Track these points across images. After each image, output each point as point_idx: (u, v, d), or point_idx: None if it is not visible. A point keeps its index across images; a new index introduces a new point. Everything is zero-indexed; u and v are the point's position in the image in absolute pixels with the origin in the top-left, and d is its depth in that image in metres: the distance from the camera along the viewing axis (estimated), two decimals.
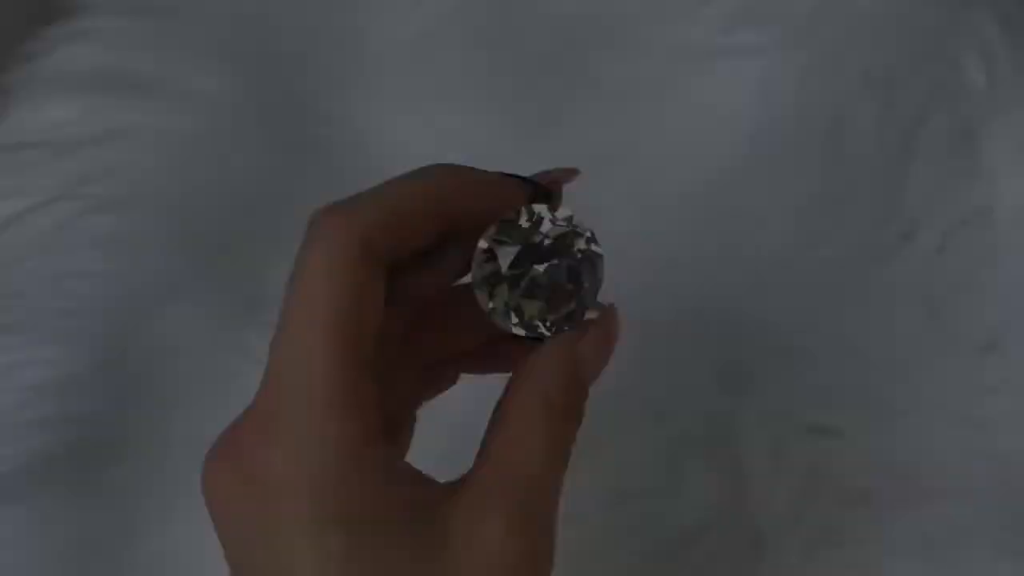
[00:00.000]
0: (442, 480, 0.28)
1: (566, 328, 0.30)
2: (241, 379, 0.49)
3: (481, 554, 0.25)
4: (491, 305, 0.30)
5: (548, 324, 0.30)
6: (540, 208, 0.31)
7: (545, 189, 0.32)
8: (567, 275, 0.31)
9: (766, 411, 0.48)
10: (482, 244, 0.30)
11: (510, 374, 0.30)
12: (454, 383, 0.35)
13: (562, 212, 0.31)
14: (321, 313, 0.26)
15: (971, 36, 0.54)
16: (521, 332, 0.30)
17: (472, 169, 0.30)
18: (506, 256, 0.30)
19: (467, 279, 0.31)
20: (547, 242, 0.31)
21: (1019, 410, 0.49)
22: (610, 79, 0.59)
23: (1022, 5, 0.55)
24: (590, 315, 0.31)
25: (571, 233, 0.31)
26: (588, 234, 0.31)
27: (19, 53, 0.61)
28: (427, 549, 0.25)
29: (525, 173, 0.33)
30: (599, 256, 0.31)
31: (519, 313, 0.30)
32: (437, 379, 0.34)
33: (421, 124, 0.60)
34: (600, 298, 0.32)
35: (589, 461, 0.47)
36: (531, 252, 0.30)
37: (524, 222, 0.31)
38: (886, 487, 0.47)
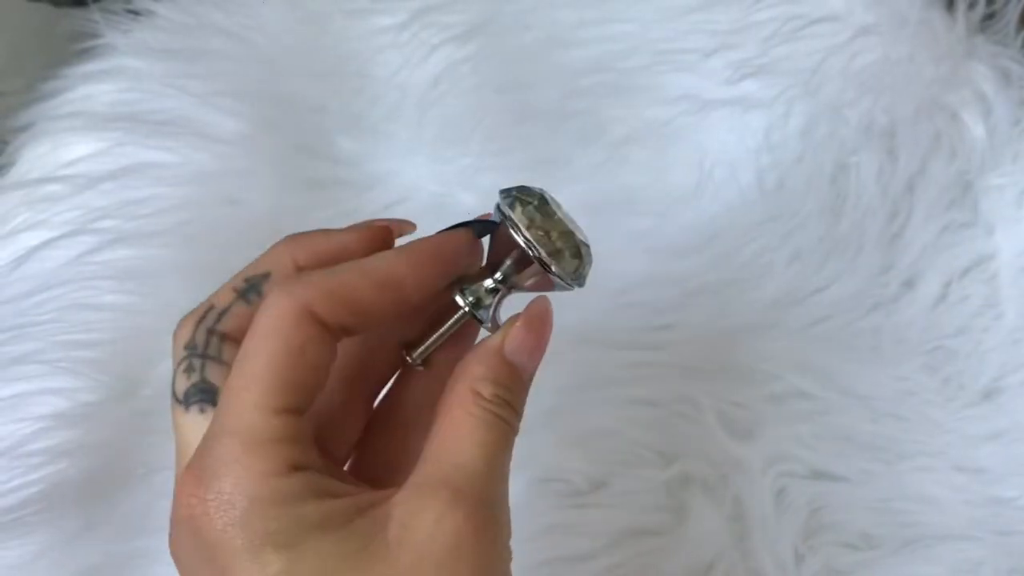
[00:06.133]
0: None
1: None
2: None
3: (418, 537, 0.26)
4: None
5: None
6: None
7: (486, 221, 0.33)
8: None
9: (769, 454, 0.49)
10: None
11: None
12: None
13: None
14: (254, 368, 0.28)
15: (970, 89, 0.56)
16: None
17: (423, 242, 0.31)
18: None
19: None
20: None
21: (1018, 458, 0.49)
22: (618, 126, 0.61)
23: (1020, 60, 0.56)
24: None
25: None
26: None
27: (42, 90, 0.62)
28: (367, 544, 0.26)
29: None
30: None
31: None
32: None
33: (431, 167, 0.61)
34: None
35: (595, 500, 0.47)
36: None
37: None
38: (887, 531, 0.47)
